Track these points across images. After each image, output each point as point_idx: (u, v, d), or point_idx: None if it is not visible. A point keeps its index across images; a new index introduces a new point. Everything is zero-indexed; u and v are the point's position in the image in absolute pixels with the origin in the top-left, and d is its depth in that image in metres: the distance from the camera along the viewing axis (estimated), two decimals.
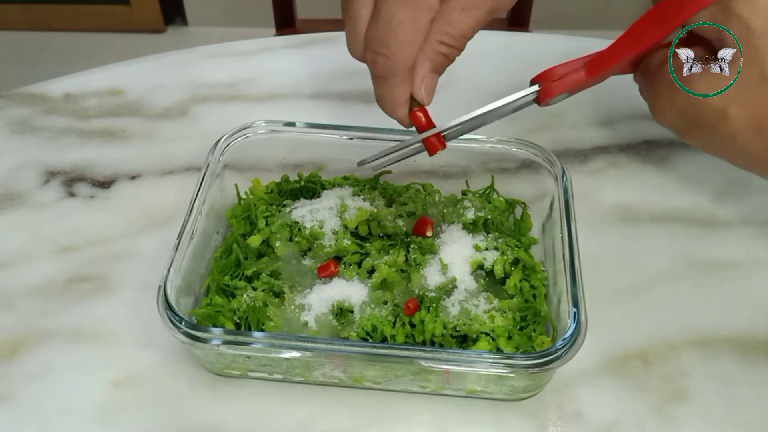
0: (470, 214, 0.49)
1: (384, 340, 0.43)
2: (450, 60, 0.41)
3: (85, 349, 0.47)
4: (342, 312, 0.44)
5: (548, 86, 0.42)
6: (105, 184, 0.58)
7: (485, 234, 0.48)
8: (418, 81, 0.40)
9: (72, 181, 0.58)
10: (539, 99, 0.43)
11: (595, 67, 0.43)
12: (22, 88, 0.67)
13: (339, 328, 0.43)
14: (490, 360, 0.39)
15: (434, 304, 0.43)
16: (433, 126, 0.42)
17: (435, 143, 0.42)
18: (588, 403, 0.44)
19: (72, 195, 0.57)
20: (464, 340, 0.43)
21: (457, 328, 0.43)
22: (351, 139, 0.51)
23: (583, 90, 0.44)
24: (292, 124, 0.51)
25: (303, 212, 0.49)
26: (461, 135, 0.44)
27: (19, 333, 0.47)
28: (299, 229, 0.47)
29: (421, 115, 0.41)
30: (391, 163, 0.46)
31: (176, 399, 0.44)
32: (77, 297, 0.50)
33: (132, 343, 0.47)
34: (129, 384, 0.45)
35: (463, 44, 0.40)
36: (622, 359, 0.46)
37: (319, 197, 0.51)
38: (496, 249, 0.47)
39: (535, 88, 0.43)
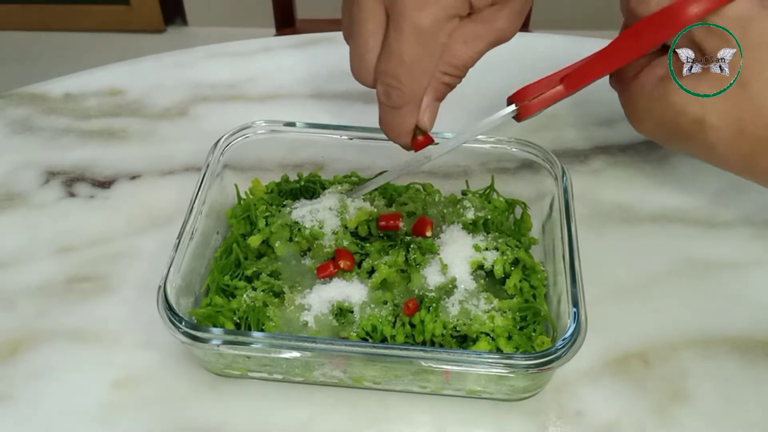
0: (470, 214, 0.49)
1: (384, 340, 0.43)
2: (451, 88, 0.43)
3: (85, 349, 0.47)
4: (342, 312, 0.44)
5: (526, 105, 0.44)
6: (105, 184, 0.58)
7: (485, 234, 0.48)
8: (422, 110, 0.42)
9: (72, 181, 0.58)
10: (518, 117, 0.45)
11: (573, 83, 0.44)
12: (22, 88, 0.67)
13: (339, 328, 0.43)
14: (490, 360, 0.39)
15: (434, 304, 0.43)
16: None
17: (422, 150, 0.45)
18: (588, 403, 0.44)
19: (72, 195, 0.57)
20: (464, 340, 0.43)
21: (457, 329, 0.43)
22: (351, 139, 0.51)
23: (561, 101, 0.45)
24: (292, 124, 0.51)
25: (303, 212, 0.49)
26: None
27: (19, 333, 0.47)
28: (299, 229, 0.47)
29: (422, 139, 0.44)
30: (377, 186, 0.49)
31: (176, 399, 0.44)
32: (77, 297, 0.50)
33: (132, 343, 0.47)
34: (129, 384, 0.45)
35: (464, 73, 0.42)
36: (622, 359, 0.46)
37: (318, 197, 0.51)
38: (496, 249, 0.47)
39: (513, 107, 0.44)
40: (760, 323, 0.48)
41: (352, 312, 0.44)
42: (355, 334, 0.43)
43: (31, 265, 0.52)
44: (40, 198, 0.57)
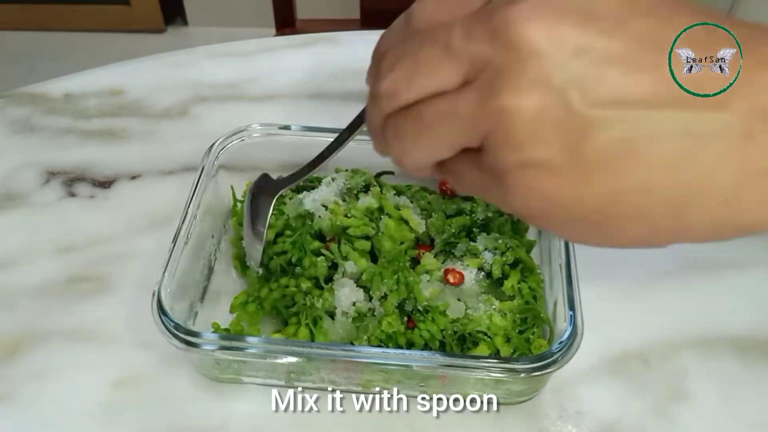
0: (480, 215, 0.49)
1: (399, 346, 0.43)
2: None
3: (85, 349, 0.47)
4: (359, 316, 0.44)
5: None
6: (105, 184, 0.58)
7: (485, 234, 0.48)
8: None
9: (72, 181, 0.58)
10: None
11: None
12: (22, 88, 0.67)
13: (357, 332, 0.43)
14: (485, 365, 0.38)
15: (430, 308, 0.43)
16: None
17: None
18: (588, 403, 0.44)
19: (72, 195, 0.57)
20: (464, 341, 0.43)
21: (455, 330, 0.43)
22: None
23: None
24: (287, 128, 0.51)
25: (310, 201, 0.48)
26: None
27: (19, 333, 0.47)
28: (312, 220, 0.47)
29: None
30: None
31: (176, 399, 0.44)
32: (77, 297, 0.50)
33: (132, 343, 0.47)
34: (129, 384, 0.45)
35: None
36: (622, 359, 0.46)
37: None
38: (496, 249, 0.47)
39: None
40: (760, 323, 0.48)
41: (373, 313, 0.44)
42: (373, 338, 0.42)
43: (31, 265, 0.52)
44: (40, 198, 0.57)
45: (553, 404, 0.44)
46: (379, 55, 0.32)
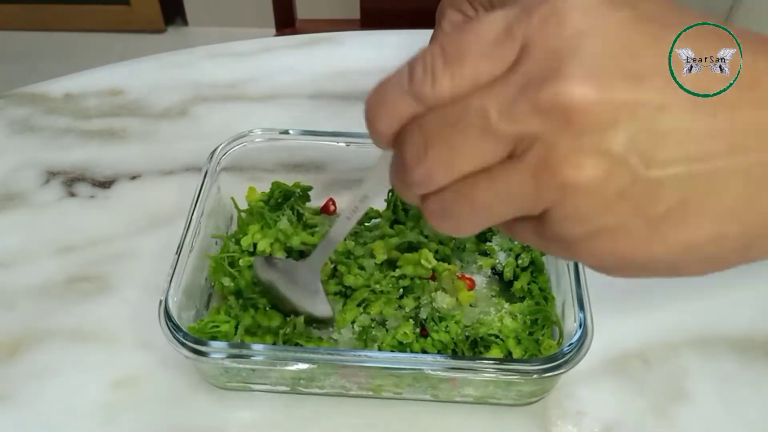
0: None
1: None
2: None
3: (85, 349, 0.47)
4: (364, 329, 0.43)
5: None
6: (105, 184, 0.58)
7: (500, 235, 0.48)
8: None
9: (72, 181, 0.58)
10: None
11: None
12: (22, 88, 0.67)
13: (362, 345, 0.43)
14: (496, 367, 0.38)
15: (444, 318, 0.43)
16: None
17: None
18: (588, 403, 0.44)
19: (72, 195, 0.57)
20: (475, 345, 0.43)
21: (467, 334, 0.43)
22: (348, 145, 0.51)
23: None
24: (286, 132, 0.51)
25: None
26: None
27: (19, 333, 0.47)
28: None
29: None
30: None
31: (177, 399, 0.44)
32: (77, 297, 0.50)
33: (132, 343, 0.47)
34: (129, 384, 0.45)
35: None
36: (622, 359, 0.46)
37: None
38: (510, 251, 0.47)
39: None
40: (760, 323, 0.48)
41: (383, 325, 0.43)
42: (384, 347, 0.42)
43: (31, 265, 0.52)
44: (40, 198, 0.57)
45: (553, 404, 0.44)
46: (383, 130, 0.30)
